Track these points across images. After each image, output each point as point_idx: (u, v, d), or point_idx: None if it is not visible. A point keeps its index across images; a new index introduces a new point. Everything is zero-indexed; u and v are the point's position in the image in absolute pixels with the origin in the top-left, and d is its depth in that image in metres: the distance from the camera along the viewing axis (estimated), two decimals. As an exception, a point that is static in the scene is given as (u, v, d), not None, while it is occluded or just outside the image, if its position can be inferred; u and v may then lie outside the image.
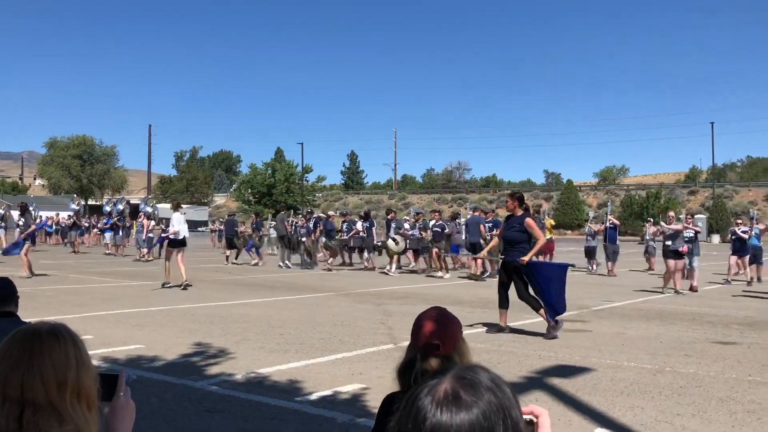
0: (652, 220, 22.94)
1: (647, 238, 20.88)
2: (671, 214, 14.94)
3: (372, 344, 7.70)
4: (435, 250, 17.98)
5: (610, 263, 18.58)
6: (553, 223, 21.00)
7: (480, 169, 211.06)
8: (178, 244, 14.10)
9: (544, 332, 8.29)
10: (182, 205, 15.21)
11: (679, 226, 14.10)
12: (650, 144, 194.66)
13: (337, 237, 21.53)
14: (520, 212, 8.73)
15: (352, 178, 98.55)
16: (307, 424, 4.66)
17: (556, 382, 5.94)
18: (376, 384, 5.65)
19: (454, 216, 21.32)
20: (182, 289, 13.30)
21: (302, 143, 74.01)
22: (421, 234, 19.06)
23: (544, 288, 8.38)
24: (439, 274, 17.34)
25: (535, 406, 1.10)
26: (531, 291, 8.57)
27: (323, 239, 21.09)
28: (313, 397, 5.35)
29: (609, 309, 11.35)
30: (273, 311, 10.56)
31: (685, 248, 14.00)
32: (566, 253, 28.27)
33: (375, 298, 12.43)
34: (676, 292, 13.57)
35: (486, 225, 18.44)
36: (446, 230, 18.39)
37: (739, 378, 6.19)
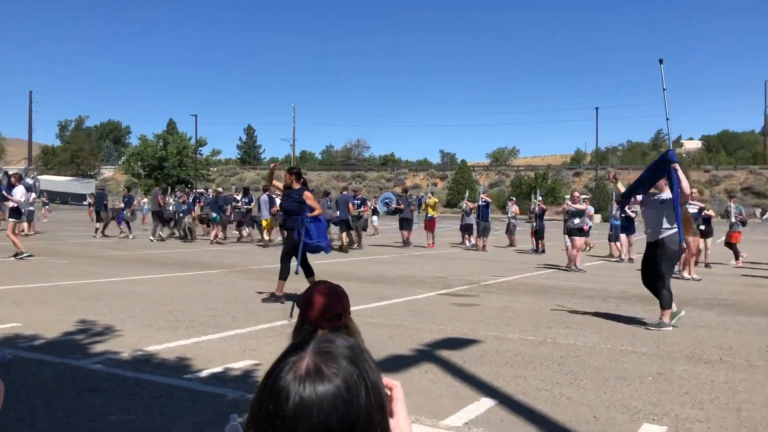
0: (514, 198, 24.37)
1: (509, 216, 22.38)
2: (576, 194, 15.62)
3: (266, 320, 7.65)
4: None
5: (481, 239, 20.08)
6: (435, 201, 22.13)
7: (379, 148, 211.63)
8: (16, 215, 14.37)
9: (434, 309, 8.52)
10: (25, 178, 15.94)
11: (583, 206, 14.89)
12: (539, 127, 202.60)
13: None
14: (297, 186, 9.43)
15: (249, 153, 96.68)
16: (196, 401, 4.58)
17: (445, 354, 6.13)
18: (269, 360, 5.56)
19: (326, 193, 22.75)
20: (19, 258, 13.68)
21: (196, 115, 70.80)
22: None
23: (313, 235, 9.00)
24: None
25: (388, 378, 1.11)
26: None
27: (213, 214, 21.63)
28: (203, 374, 5.26)
29: (497, 284, 11.80)
30: (162, 288, 10.25)
31: (587, 226, 14.87)
32: (453, 230, 29.03)
33: (270, 275, 12.30)
34: (572, 268, 14.27)
35: (355, 203, 19.97)
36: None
37: (613, 348, 6.62)
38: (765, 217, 16.22)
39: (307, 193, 9.30)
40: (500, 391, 4.99)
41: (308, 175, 78.33)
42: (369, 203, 22.25)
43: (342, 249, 18.61)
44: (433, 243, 20.91)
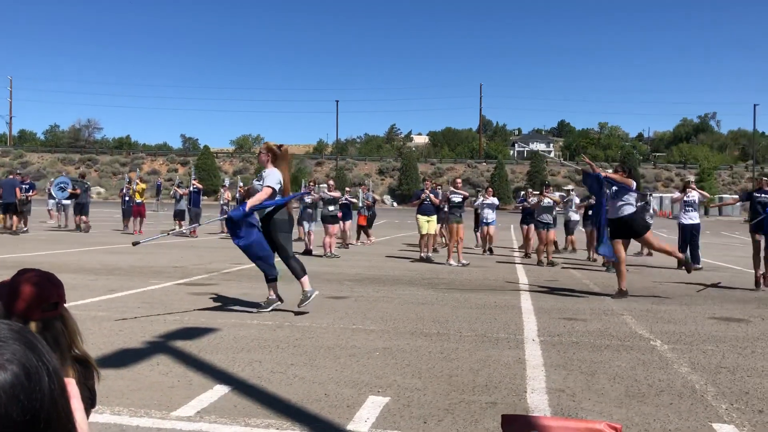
0: (227, 185, 24.81)
1: (221, 203, 23.04)
2: (330, 182, 16.65)
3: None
4: None
5: (193, 225, 20.61)
6: (144, 187, 21.86)
7: (113, 130, 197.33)
8: None
9: (170, 299, 8.18)
10: None
11: (337, 194, 16.01)
12: (283, 116, 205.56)
13: None
14: None
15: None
16: None
17: (180, 344, 5.94)
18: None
19: (81, 176, 23.07)
20: None
21: None
22: None
23: None
24: None
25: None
26: None
27: None
28: None
29: (237, 272, 11.73)
30: None
31: (341, 213, 16.12)
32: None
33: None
34: (331, 255, 14.88)
35: (23, 187, 19.98)
36: None
37: (345, 327, 6.97)
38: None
39: None
40: (235, 377, 4.97)
41: (28, 157, 70.61)
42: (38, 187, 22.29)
43: (12, 232, 18.99)
44: (140, 230, 21.00)
